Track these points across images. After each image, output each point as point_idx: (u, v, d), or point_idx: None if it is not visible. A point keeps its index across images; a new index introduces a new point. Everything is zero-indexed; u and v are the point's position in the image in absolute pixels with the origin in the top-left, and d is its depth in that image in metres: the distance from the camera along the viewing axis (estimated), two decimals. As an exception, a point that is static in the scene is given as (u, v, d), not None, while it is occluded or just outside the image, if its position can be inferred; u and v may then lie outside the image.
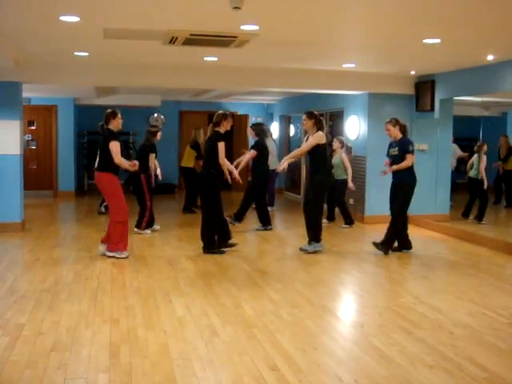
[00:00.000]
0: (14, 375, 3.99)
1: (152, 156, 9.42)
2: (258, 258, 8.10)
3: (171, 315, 5.38)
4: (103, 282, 6.51)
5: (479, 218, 10.50)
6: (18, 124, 9.50)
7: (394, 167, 8.09)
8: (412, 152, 8.07)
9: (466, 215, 10.85)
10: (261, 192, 10.09)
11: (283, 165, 8.28)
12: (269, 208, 12.18)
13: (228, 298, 5.93)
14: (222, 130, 7.91)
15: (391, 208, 8.31)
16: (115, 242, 7.57)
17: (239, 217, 10.04)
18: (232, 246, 8.15)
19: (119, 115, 7.66)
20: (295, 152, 8.49)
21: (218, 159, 7.78)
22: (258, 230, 9.98)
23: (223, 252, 7.95)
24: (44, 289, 6.19)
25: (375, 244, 8.17)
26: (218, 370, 4.13)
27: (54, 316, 5.29)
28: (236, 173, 8.25)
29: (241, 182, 8.32)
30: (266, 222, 10.02)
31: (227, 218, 8.76)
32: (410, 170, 8.10)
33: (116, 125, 7.62)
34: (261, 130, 10.31)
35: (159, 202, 13.31)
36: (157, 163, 9.71)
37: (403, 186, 8.13)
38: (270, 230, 9.94)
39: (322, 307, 5.73)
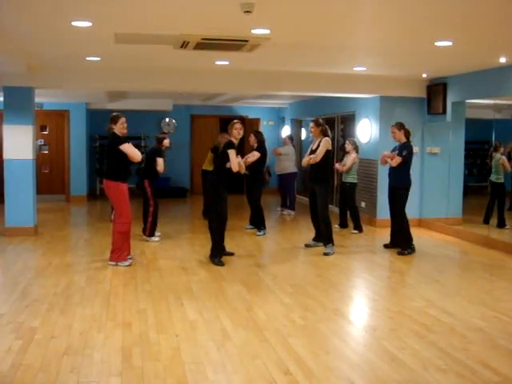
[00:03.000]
0: (27, 379, 4.00)
1: (160, 160, 9.33)
2: (269, 262, 8.10)
3: (183, 319, 5.39)
4: (115, 286, 6.53)
5: (500, 223, 10.41)
6: (31, 129, 9.56)
7: (389, 162, 8.60)
8: (402, 156, 8.44)
9: (486, 221, 10.66)
10: (258, 194, 10.23)
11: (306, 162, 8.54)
12: (286, 212, 12.37)
13: (240, 302, 5.93)
14: (232, 138, 7.84)
15: (391, 210, 8.75)
16: (117, 250, 7.46)
17: (262, 224, 10.11)
18: (229, 254, 8.06)
19: (122, 119, 7.47)
20: (312, 158, 8.40)
21: (226, 167, 7.66)
22: (247, 228, 10.34)
23: (222, 263, 7.64)
24: (56, 293, 6.21)
25: (400, 253, 8.38)
26: (231, 374, 4.13)
27: (66, 320, 5.31)
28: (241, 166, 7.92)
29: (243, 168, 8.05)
30: (258, 223, 10.14)
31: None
32: (406, 174, 8.54)
33: (120, 129, 7.45)
34: (262, 140, 10.40)
35: (171, 206, 13.37)
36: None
37: (399, 190, 8.54)
38: (263, 234, 9.97)
39: (334, 311, 5.72)
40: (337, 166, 10.61)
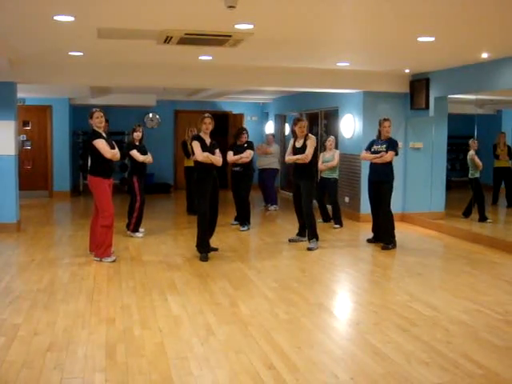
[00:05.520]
0: (11, 375, 3.98)
1: (133, 153, 9.19)
2: (253, 257, 8.11)
3: (167, 314, 5.38)
4: (99, 282, 6.51)
5: (480, 217, 10.50)
6: (13, 124, 9.49)
7: (377, 160, 8.53)
8: (395, 150, 8.53)
9: (465, 215, 10.83)
10: (248, 189, 10.25)
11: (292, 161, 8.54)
12: (273, 207, 12.39)
13: (224, 297, 5.94)
14: (200, 131, 7.80)
15: (375, 205, 8.77)
16: (100, 245, 7.46)
17: (247, 219, 10.13)
18: (213, 250, 7.98)
19: (96, 114, 7.44)
20: (302, 158, 8.34)
21: (196, 158, 7.70)
22: (232, 224, 10.36)
23: (205, 259, 7.60)
24: (40, 289, 6.19)
25: (384, 247, 8.44)
26: (215, 369, 4.13)
27: (50, 316, 5.29)
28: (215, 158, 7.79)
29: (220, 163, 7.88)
30: (245, 219, 10.15)
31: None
32: (391, 168, 8.56)
33: (96, 123, 7.42)
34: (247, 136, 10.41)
35: (155, 202, 13.33)
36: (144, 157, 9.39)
37: (384, 184, 8.55)
38: (247, 229, 9.99)
39: (317, 305, 5.75)
40: (321, 166, 10.41)
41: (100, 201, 7.45)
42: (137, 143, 9.37)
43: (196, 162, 7.78)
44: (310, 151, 8.26)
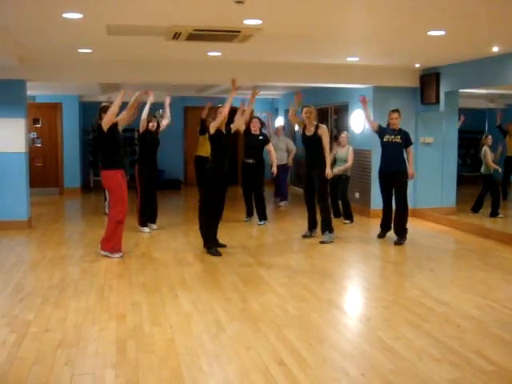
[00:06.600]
0: (22, 372, 4.00)
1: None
2: (263, 253, 8.09)
3: (177, 310, 5.39)
4: (109, 279, 6.52)
5: (492, 213, 10.44)
6: (23, 122, 9.52)
7: (411, 165, 8.53)
8: (411, 142, 8.64)
9: (474, 210, 10.78)
10: (263, 183, 10.32)
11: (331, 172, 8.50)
12: (283, 203, 12.36)
13: (234, 293, 5.94)
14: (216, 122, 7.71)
15: (389, 197, 8.62)
16: (109, 240, 7.48)
17: (264, 214, 10.15)
18: (221, 246, 7.97)
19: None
20: (328, 158, 8.41)
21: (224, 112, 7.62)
22: (245, 221, 10.37)
23: (218, 253, 7.64)
24: (51, 286, 6.21)
25: (397, 243, 8.37)
26: (225, 365, 4.13)
27: (60, 312, 5.31)
28: None
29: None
30: (262, 214, 10.15)
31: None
32: (405, 160, 8.53)
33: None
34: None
35: (165, 198, 13.34)
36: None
37: (402, 175, 8.47)
38: (263, 224, 10.04)
39: (328, 301, 5.73)
40: (335, 170, 9.92)
41: (113, 195, 7.45)
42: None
43: (211, 153, 7.76)
44: (327, 144, 8.38)
